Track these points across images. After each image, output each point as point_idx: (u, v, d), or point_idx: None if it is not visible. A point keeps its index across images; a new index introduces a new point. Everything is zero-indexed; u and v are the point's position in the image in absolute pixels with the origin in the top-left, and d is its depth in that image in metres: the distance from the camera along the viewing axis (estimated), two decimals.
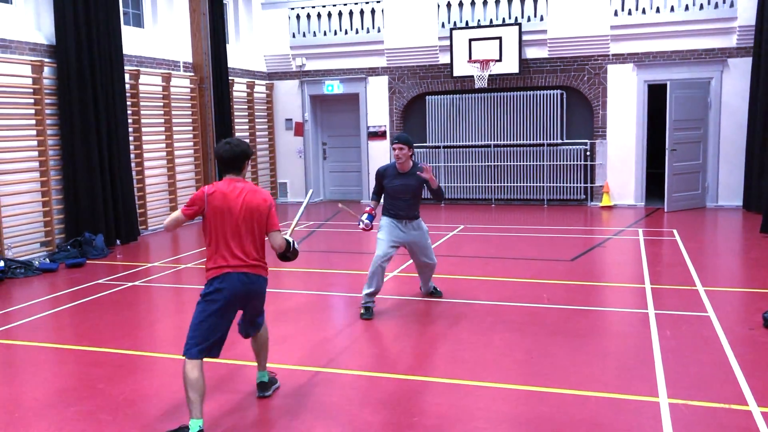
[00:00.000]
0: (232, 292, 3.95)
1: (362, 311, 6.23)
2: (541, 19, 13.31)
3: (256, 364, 4.53)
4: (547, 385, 4.49)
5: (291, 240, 4.32)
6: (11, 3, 9.32)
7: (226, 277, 3.94)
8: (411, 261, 8.43)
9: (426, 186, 6.27)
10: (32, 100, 9.29)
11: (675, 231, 10.28)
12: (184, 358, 3.89)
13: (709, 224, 11.34)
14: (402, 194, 6.28)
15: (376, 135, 14.72)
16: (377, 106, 14.71)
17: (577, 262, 8.39)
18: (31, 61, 9.21)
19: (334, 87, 14.92)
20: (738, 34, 12.18)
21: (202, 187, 4.06)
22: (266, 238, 4.16)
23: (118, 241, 10.36)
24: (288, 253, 4.29)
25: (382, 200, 6.50)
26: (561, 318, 6.08)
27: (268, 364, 4.54)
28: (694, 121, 12.46)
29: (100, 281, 7.93)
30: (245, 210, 3.99)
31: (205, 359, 3.95)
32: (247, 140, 14.59)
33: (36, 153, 9.35)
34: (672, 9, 12.56)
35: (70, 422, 4.12)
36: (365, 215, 6.34)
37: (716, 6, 12.33)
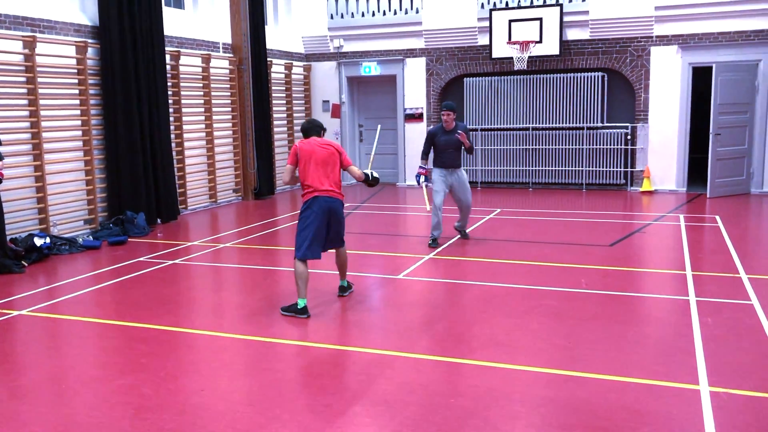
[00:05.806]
0: (320, 207, 5.70)
1: (430, 242, 8.43)
2: None
3: (293, 341, 4.76)
4: (586, 370, 4.45)
5: (369, 172, 6.14)
6: None
7: (315, 200, 5.72)
8: (446, 245, 8.48)
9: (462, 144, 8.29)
10: (76, 80, 9.47)
11: (717, 217, 10.06)
12: (295, 259, 5.67)
13: (754, 211, 11.06)
14: (448, 147, 8.28)
15: (413, 117, 14.65)
16: (414, 88, 14.62)
17: (615, 248, 8.28)
18: (75, 41, 9.38)
19: (371, 68, 14.88)
20: None
21: (294, 145, 5.86)
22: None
23: (158, 220, 10.56)
24: (370, 181, 6.10)
25: (431, 157, 8.47)
26: (599, 303, 6.01)
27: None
28: (741, 105, 12.12)
29: (141, 259, 8.10)
30: (322, 155, 5.78)
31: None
32: (285, 122, 14.76)
33: (80, 132, 9.55)
34: None
35: (114, 395, 4.23)
36: (421, 177, 8.32)
37: None
